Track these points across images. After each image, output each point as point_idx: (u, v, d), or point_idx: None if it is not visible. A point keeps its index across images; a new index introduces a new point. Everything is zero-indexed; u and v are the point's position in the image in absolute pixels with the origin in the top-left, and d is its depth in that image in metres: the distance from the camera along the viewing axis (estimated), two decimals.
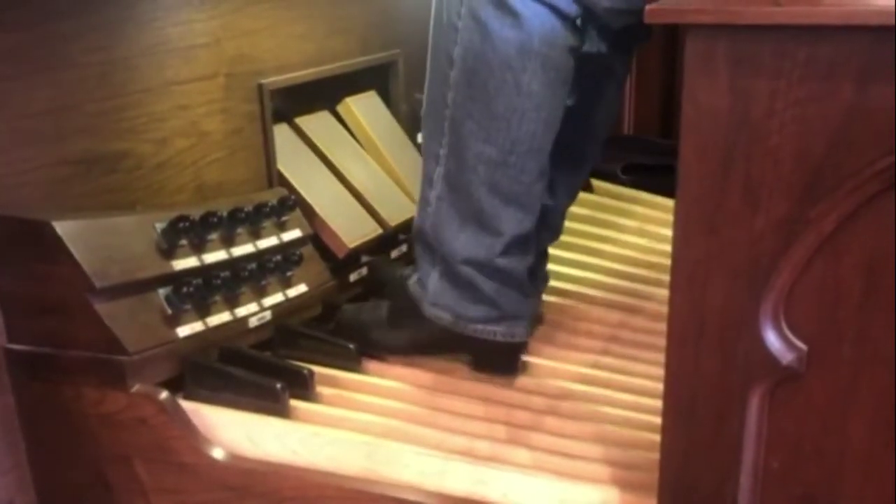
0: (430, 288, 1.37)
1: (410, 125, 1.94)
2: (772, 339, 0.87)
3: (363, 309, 1.50)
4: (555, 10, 1.18)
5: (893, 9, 0.73)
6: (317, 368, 1.38)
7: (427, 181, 1.34)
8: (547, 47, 1.20)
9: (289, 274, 1.49)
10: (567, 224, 1.58)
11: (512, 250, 1.31)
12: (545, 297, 1.64)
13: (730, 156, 0.82)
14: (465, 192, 1.29)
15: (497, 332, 1.36)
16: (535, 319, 1.58)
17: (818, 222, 0.82)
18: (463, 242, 1.31)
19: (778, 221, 0.83)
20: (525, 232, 1.31)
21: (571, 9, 1.19)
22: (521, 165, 1.26)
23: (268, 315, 1.44)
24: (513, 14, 1.18)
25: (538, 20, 1.18)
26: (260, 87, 1.56)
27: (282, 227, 1.51)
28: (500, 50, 1.20)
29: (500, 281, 1.33)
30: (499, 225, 1.29)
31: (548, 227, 1.47)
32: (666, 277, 0.91)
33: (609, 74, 1.39)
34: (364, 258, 1.70)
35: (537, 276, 1.57)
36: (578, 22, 1.22)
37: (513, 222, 1.30)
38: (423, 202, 1.35)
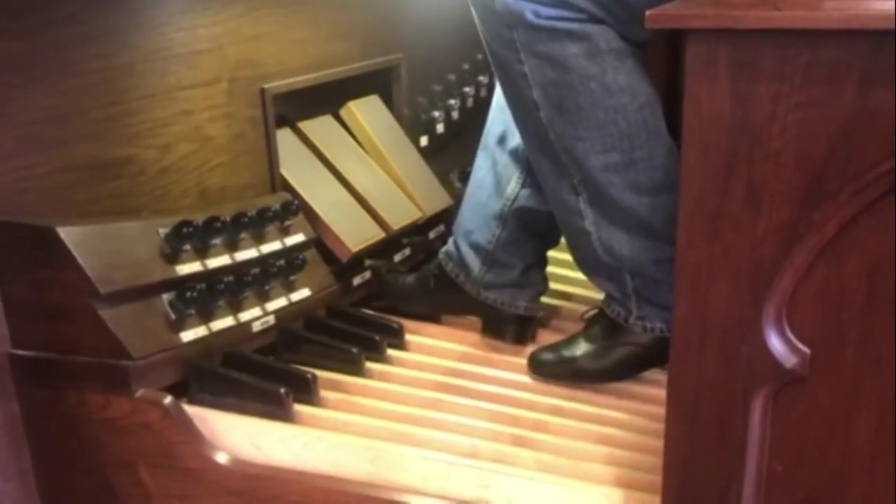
0: (634, 309, 1.37)
1: (413, 129, 1.94)
2: (775, 342, 0.87)
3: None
4: (594, 18, 1.20)
5: (894, 12, 0.73)
6: (320, 373, 1.39)
7: (577, 217, 1.33)
8: (611, 43, 1.21)
9: (292, 278, 1.49)
10: None
11: None
12: (546, 300, 1.64)
13: (732, 160, 0.82)
14: (615, 206, 1.29)
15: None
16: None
17: (820, 226, 0.82)
18: (640, 249, 1.31)
19: (780, 225, 0.83)
20: None
21: (602, 13, 1.21)
22: (649, 154, 1.26)
23: (271, 319, 1.44)
24: (567, 33, 1.20)
25: (591, 27, 1.20)
26: (263, 91, 1.56)
27: (285, 232, 1.51)
28: (574, 66, 1.21)
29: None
30: (659, 217, 1.28)
31: (544, 233, 1.48)
32: None
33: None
34: (367, 262, 1.70)
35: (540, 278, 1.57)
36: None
37: (670, 208, 1.27)
38: (584, 236, 1.34)
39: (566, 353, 1.42)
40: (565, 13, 1.19)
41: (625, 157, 1.25)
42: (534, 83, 1.25)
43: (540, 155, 1.33)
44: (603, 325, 1.42)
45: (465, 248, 1.55)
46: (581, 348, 1.42)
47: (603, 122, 1.23)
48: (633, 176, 1.26)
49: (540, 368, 1.44)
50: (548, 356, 1.44)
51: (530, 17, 1.20)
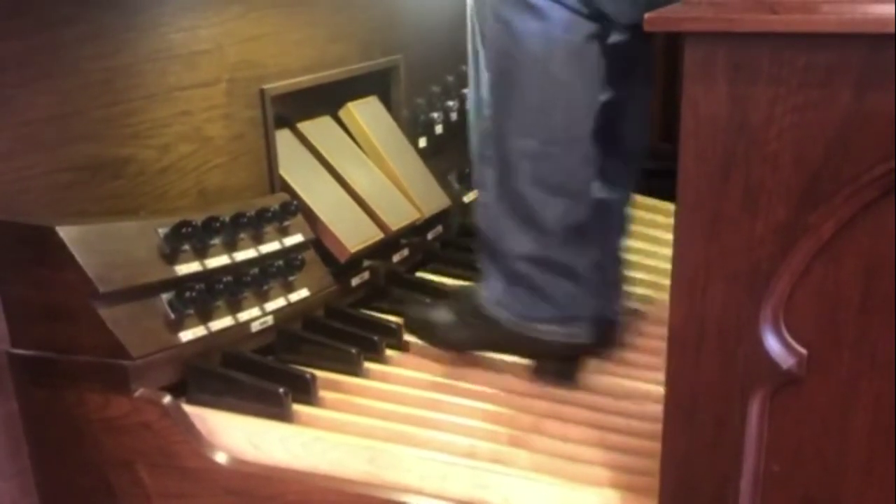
0: (492, 287, 1.39)
1: (412, 130, 1.95)
2: (772, 343, 0.87)
3: (430, 308, 1.53)
4: (566, 6, 1.21)
5: (891, 16, 0.74)
6: (319, 373, 1.39)
7: (482, 186, 1.38)
8: (570, 34, 1.22)
9: (291, 278, 1.49)
10: None
11: (568, 242, 1.32)
12: None
13: (729, 162, 0.83)
14: (514, 191, 1.31)
15: (559, 332, 1.35)
16: (618, 327, 1.52)
17: (817, 227, 0.82)
18: (517, 239, 1.33)
19: (777, 227, 0.83)
20: (578, 222, 1.31)
21: (581, 7, 1.21)
22: (563, 154, 1.28)
23: (270, 319, 1.44)
24: (531, 8, 1.21)
25: (557, 12, 1.21)
26: (262, 92, 1.57)
27: (284, 232, 1.52)
28: (526, 43, 1.23)
29: (557, 275, 1.33)
30: (548, 217, 1.30)
31: (612, 226, 1.46)
32: (667, 281, 0.91)
33: (635, 63, 1.38)
34: (366, 262, 1.71)
35: (608, 279, 1.55)
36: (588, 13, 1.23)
37: (562, 212, 1.30)
38: (481, 206, 1.39)
39: (434, 316, 1.48)
40: None
41: (541, 147, 1.27)
42: (490, 46, 1.28)
43: (477, 122, 1.37)
44: (468, 297, 1.44)
45: None
46: (445, 316, 1.46)
47: (534, 108, 1.26)
48: (542, 169, 1.28)
49: (409, 325, 1.51)
50: (416, 314, 1.51)
51: None
